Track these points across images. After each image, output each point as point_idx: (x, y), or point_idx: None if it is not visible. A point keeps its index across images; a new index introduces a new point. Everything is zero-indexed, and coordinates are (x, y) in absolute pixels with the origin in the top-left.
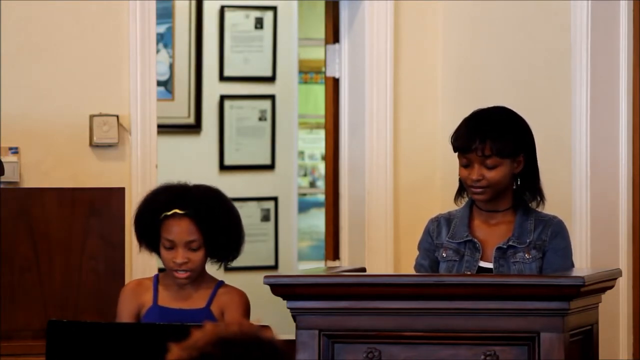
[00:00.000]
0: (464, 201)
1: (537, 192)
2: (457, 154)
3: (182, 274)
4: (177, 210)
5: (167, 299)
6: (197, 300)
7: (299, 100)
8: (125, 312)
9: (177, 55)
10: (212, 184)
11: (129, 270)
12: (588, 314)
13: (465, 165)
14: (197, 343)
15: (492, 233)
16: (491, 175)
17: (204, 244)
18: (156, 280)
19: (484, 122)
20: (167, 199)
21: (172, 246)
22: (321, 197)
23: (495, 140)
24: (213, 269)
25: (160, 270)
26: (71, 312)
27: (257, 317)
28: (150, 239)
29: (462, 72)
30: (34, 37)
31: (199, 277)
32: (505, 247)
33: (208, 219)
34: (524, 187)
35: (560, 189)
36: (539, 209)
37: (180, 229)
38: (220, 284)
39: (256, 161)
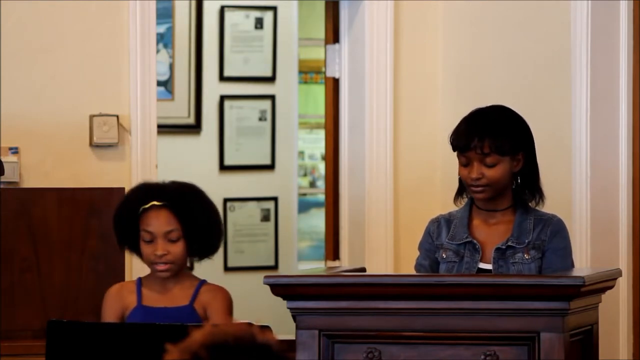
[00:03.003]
0: (463, 201)
1: (536, 191)
2: (456, 153)
3: (162, 266)
4: (155, 202)
5: (150, 299)
6: (180, 299)
7: (299, 100)
8: (110, 314)
9: (177, 55)
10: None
11: (129, 270)
12: (588, 314)
13: (464, 164)
14: (191, 345)
15: (492, 233)
16: (491, 173)
17: (183, 235)
18: (139, 282)
19: (482, 120)
20: (144, 194)
21: (152, 239)
22: (321, 197)
23: (494, 138)
24: (209, 269)
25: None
26: (71, 312)
27: (257, 317)
28: (130, 238)
29: (462, 72)
30: (34, 37)
31: (181, 275)
32: (504, 247)
33: (185, 208)
34: (523, 186)
35: (560, 189)
36: (539, 208)
37: (158, 220)
38: (203, 282)
39: (256, 161)
